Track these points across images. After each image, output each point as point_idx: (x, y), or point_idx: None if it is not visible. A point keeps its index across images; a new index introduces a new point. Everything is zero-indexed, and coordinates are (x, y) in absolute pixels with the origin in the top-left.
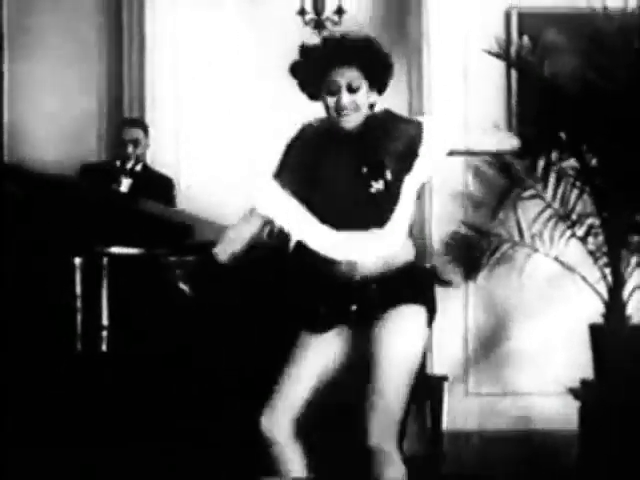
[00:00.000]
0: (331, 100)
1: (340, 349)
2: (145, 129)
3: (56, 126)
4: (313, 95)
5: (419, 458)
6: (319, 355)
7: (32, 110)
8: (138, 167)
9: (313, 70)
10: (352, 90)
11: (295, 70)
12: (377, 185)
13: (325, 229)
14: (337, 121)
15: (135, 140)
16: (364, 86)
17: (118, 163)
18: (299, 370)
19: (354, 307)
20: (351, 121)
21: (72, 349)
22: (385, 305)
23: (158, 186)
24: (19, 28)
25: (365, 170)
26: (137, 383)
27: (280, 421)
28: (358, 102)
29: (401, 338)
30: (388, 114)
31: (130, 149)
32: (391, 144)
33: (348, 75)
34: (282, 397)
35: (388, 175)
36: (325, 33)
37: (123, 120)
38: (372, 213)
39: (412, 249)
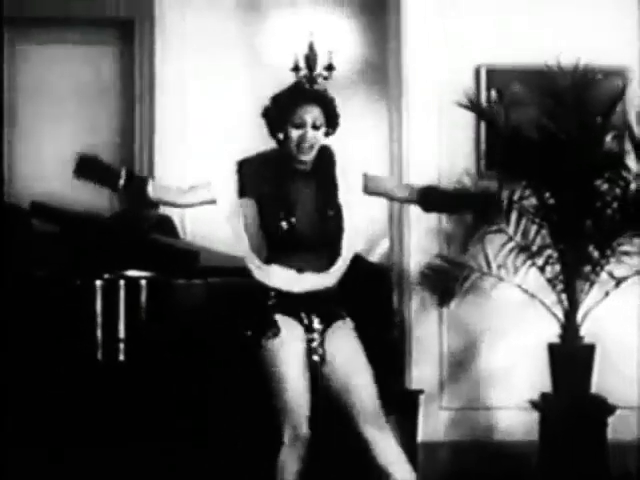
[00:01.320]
0: (296, 133)
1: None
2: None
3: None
4: (278, 136)
5: None
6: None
7: (47, 146)
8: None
9: (283, 107)
10: (315, 127)
11: (266, 113)
12: (330, 212)
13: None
14: (295, 155)
15: None
16: (323, 126)
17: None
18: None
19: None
20: (309, 155)
21: (94, 358)
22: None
23: (160, 222)
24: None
25: (322, 199)
26: (151, 388)
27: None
28: (318, 138)
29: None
30: (329, 151)
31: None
32: (336, 179)
33: (313, 113)
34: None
35: (337, 204)
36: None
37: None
38: (328, 235)
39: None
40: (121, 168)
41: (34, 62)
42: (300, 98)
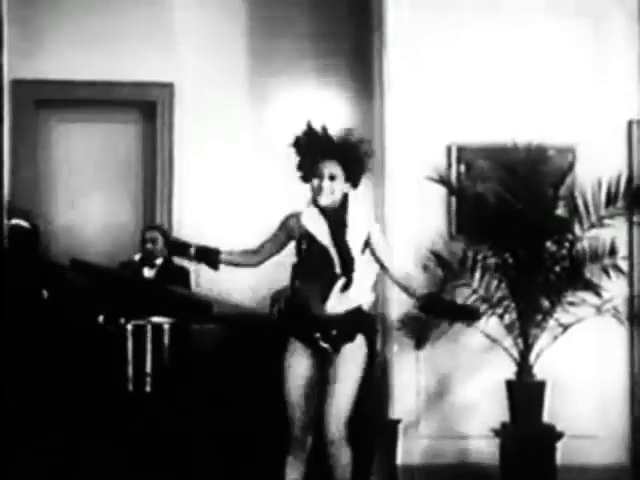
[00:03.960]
0: (315, 182)
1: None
2: (163, 233)
3: (102, 229)
4: (305, 177)
5: None
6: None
7: (86, 217)
8: (159, 261)
9: (306, 160)
10: (332, 178)
11: (298, 163)
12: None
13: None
14: (315, 198)
15: (154, 239)
16: (341, 177)
17: (137, 257)
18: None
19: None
20: (327, 200)
21: (125, 389)
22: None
23: (178, 275)
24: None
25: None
26: (172, 414)
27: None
28: (334, 187)
29: (350, 365)
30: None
31: (149, 246)
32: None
33: (330, 167)
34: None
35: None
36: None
37: (145, 226)
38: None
39: (370, 297)
40: (193, 244)
41: (66, 139)
42: (319, 154)
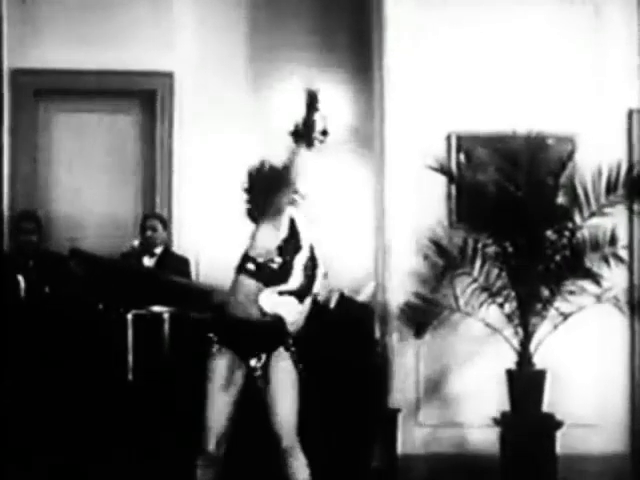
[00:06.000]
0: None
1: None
2: (162, 221)
3: (102, 219)
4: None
5: (380, 471)
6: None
7: (89, 205)
8: (159, 250)
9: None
10: None
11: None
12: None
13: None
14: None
15: (153, 227)
16: None
17: (136, 243)
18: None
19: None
20: None
21: (125, 378)
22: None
23: (178, 264)
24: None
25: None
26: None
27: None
28: None
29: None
30: None
31: (149, 233)
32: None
33: None
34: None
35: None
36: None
37: (145, 214)
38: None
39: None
40: None
41: (66, 128)
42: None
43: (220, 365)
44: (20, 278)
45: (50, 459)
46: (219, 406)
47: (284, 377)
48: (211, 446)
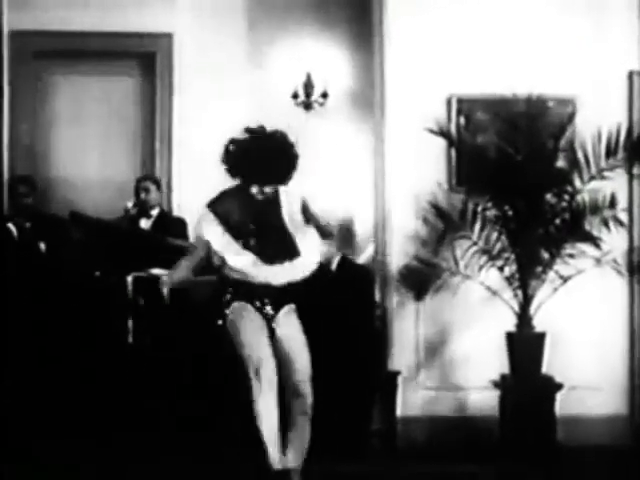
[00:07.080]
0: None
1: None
2: (156, 182)
3: (101, 182)
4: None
5: (380, 433)
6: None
7: (88, 168)
8: (155, 212)
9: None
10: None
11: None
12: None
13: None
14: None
15: (147, 189)
16: None
17: (130, 204)
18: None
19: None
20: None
21: (125, 341)
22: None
23: (175, 225)
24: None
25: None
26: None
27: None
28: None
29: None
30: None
31: (143, 195)
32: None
33: None
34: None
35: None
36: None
37: (139, 177)
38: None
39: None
40: None
41: (65, 90)
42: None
43: (241, 305)
44: (11, 226)
45: (50, 457)
46: (266, 353)
47: (297, 333)
48: (265, 368)
